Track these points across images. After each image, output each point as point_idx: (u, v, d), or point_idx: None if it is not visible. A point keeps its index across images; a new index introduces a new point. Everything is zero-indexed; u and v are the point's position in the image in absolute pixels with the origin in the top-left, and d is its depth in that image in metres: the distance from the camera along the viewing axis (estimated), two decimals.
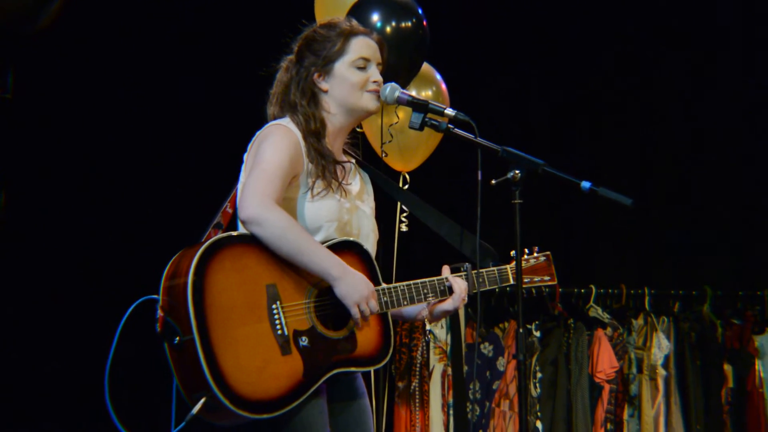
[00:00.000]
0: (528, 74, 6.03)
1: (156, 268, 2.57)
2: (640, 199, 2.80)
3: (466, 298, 2.88)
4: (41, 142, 4.56)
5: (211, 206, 2.88)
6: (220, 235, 2.59)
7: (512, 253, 2.97)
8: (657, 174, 6.23)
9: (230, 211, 2.85)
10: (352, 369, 2.68)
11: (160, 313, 2.52)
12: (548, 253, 3.10)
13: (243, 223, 2.60)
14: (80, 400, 4.40)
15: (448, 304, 2.87)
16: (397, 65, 4.03)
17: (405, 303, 2.79)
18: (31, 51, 4.28)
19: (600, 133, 6.24)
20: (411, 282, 2.82)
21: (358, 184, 2.91)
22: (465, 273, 2.90)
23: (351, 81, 2.81)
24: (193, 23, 4.86)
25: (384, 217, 3.04)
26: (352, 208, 2.82)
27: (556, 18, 6.04)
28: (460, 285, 2.87)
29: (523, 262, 3.03)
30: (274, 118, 2.84)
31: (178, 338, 2.47)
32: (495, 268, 2.98)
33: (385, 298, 2.74)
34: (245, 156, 2.79)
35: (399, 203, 4.48)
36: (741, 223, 6.25)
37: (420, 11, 4.10)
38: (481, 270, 2.93)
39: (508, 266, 2.99)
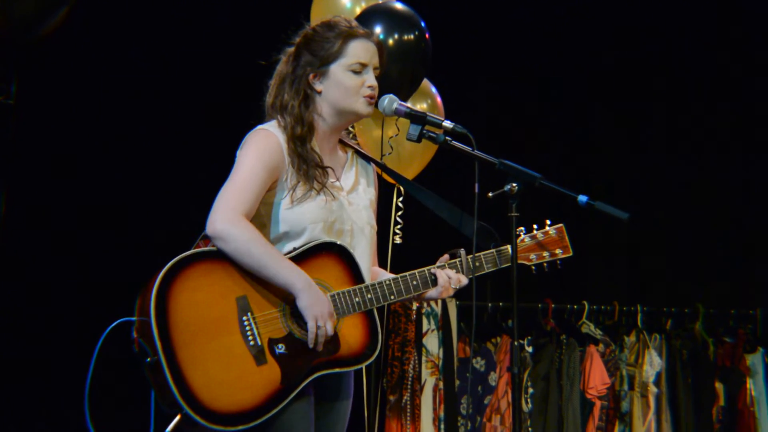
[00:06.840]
0: (524, 87, 6.05)
1: (152, 271, 2.59)
2: (633, 215, 2.80)
3: (455, 287, 2.85)
4: (43, 149, 4.58)
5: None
6: (184, 254, 2.59)
7: (519, 230, 2.92)
8: (649, 191, 6.24)
9: None
10: (336, 370, 2.67)
11: (134, 334, 2.55)
12: (561, 225, 3.02)
13: (210, 238, 2.60)
14: (64, 410, 4.40)
15: (433, 293, 2.86)
16: (400, 78, 4.04)
17: (392, 297, 2.78)
18: (34, 58, 4.31)
19: (593, 149, 6.26)
20: (399, 275, 2.82)
21: (352, 177, 2.90)
22: (459, 259, 2.88)
23: (345, 85, 2.79)
24: (195, 27, 4.86)
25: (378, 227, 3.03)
26: (341, 205, 2.79)
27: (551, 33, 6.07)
28: (446, 275, 2.85)
29: (528, 239, 2.99)
30: (269, 113, 2.83)
31: (149, 359, 2.50)
32: (494, 250, 2.92)
33: (369, 295, 2.73)
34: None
35: (394, 215, 4.50)
36: (734, 242, 6.26)
37: (423, 24, 4.11)
38: (479, 253, 2.89)
39: (508, 246, 2.90)
